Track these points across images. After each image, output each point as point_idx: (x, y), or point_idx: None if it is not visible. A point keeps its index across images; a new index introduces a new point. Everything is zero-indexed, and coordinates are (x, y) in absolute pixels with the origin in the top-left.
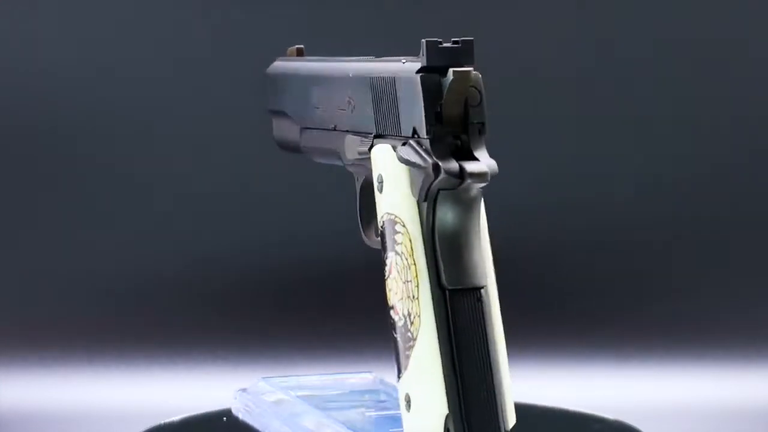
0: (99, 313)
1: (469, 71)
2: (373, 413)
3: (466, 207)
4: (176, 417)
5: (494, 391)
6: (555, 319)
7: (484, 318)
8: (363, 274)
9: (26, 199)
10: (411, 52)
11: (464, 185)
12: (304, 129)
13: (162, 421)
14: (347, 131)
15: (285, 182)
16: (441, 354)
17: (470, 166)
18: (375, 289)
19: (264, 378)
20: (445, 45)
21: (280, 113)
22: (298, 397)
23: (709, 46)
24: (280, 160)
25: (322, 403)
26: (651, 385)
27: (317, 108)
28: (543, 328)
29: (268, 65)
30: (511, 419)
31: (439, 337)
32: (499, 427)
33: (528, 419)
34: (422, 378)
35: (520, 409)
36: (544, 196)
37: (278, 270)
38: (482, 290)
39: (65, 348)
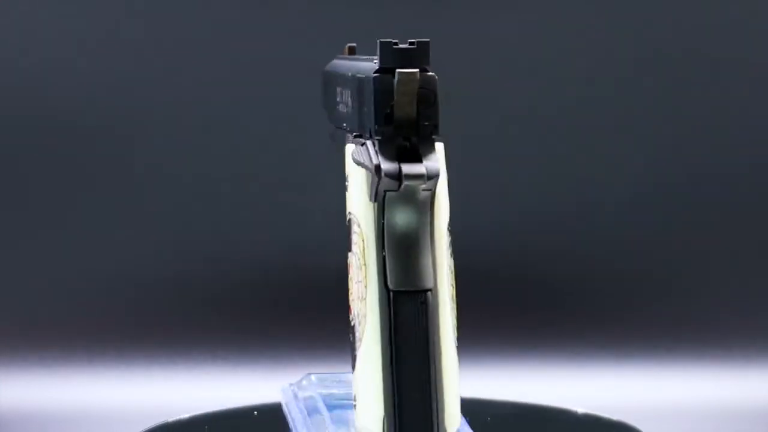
0: (99, 313)
1: (414, 72)
2: None
3: (414, 209)
4: (185, 414)
5: (431, 395)
6: (555, 319)
7: (427, 321)
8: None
9: (26, 199)
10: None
11: (405, 187)
12: (336, 128)
13: (166, 420)
14: (348, 131)
15: (286, 182)
16: (381, 356)
17: (407, 168)
18: None
19: (312, 374)
20: (399, 46)
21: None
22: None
23: (710, 46)
24: (281, 160)
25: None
26: (651, 385)
27: (337, 106)
28: (543, 328)
29: (269, 65)
30: (452, 423)
31: (381, 339)
32: (431, 430)
33: (528, 417)
34: (365, 378)
35: (520, 408)
36: (544, 195)
37: (278, 270)
38: (428, 293)
39: (65, 348)
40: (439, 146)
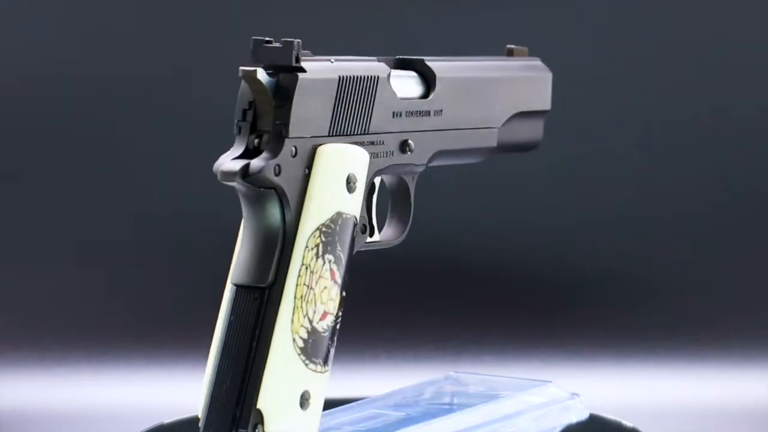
0: (99, 313)
1: (253, 70)
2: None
3: (246, 205)
4: (184, 415)
5: (240, 387)
6: (555, 319)
7: (257, 317)
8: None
9: (26, 199)
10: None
11: (231, 183)
12: None
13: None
14: None
15: None
16: (214, 346)
17: (223, 165)
18: (375, 288)
19: (457, 372)
20: (267, 45)
21: None
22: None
23: (712, 45)
24: None
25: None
26: (651, 385)
27: None
28: (543, 328)
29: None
30: (271, 421)
31: (218, 330)
32: (230, 423)
33: None
34: (207, 367)
35: None
36: (544, 195)
37: None
38: (266, 290)
39: (65, 348)
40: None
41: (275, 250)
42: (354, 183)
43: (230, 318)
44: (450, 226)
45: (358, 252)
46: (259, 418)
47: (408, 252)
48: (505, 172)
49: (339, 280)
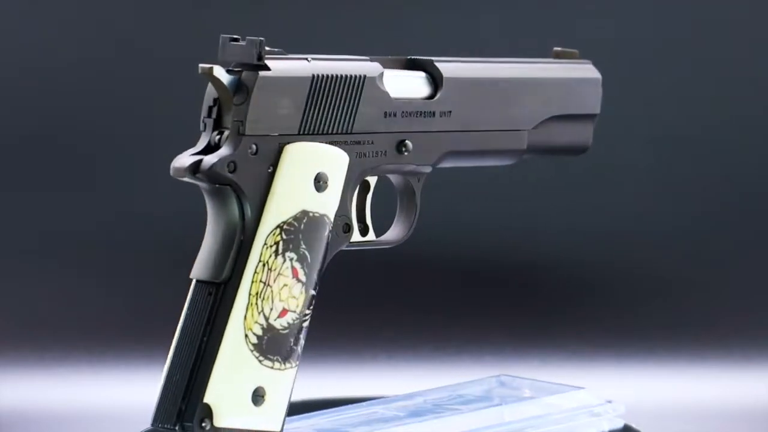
0: (99, 313)
1: (209, 67)
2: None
3: (208, 201)
4: None
5: (188, 381)
6: (556, 319)
7: (209, 311)
8: (363, 274)
9: (26, 198)
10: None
11: (183, 179)
12: None
13: None
14: None
15: None
16: (174, 341)
17: (176, 161)
18: (375, 288)
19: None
20: (233, 43)
21: None
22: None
23: (713, 45)
24: None
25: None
26: (651, 385)
27: None
28: (543, 328)
29: None
30: (220, 416)
31: (179, 325)
32: (175, 415)
33: None
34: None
35: None
36: (544, 196)
37: None
38: (221, 285)
39: (65, 348)
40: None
41: (233, 246)
42: (324, 182)
43: (186, 312)
44: (450, 226)
45: (358, 251)
46: (207, 413)
47: (408, 252)
48: (504, 173)
49: (304, 279)
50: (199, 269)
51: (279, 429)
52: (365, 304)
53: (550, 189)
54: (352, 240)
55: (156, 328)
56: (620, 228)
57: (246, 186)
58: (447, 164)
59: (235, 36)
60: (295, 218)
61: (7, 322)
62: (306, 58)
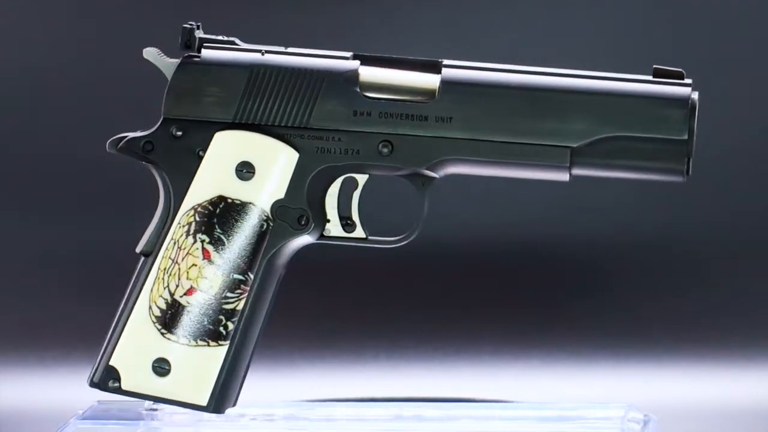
0: (99, 314)
1: (141, 51)
2: None
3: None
4: None
5: (107, 342)
6: (555, 319)
7: (132, 283)
8: (364, 274)
9: (26, 198)
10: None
11: (110, 151)
12: None
13: None
14: None
15: None
16: None
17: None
18: (376, 288)
19: None
20: (183, 29)
21: None
22: None
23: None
24: None
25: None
26: (652, 385)
27: None
28: (543, 327)
29: None
30: (125, 379)
31: None
32: (91, 375)
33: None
34: None
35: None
36: (544, 196)
37: None
38: (143, 257)
39: (65, 348)
40: None
41: (158, 222)
42: (250, 171)
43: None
44: (450, 226)
45: (358, 251)
46: (115, 375)
47: (408, 252)
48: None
49: (219, 261)
50: (142, 242)
51: (204, 404)
52: (365, 304)
53: (550, 189)
54: (333, 235)
55: None
56: (620, 228)
57: (167, 166)
58: (461, 171)
59: (192, 24)
60: (211, 202)
61: (7, 322)
62: (261, 51)
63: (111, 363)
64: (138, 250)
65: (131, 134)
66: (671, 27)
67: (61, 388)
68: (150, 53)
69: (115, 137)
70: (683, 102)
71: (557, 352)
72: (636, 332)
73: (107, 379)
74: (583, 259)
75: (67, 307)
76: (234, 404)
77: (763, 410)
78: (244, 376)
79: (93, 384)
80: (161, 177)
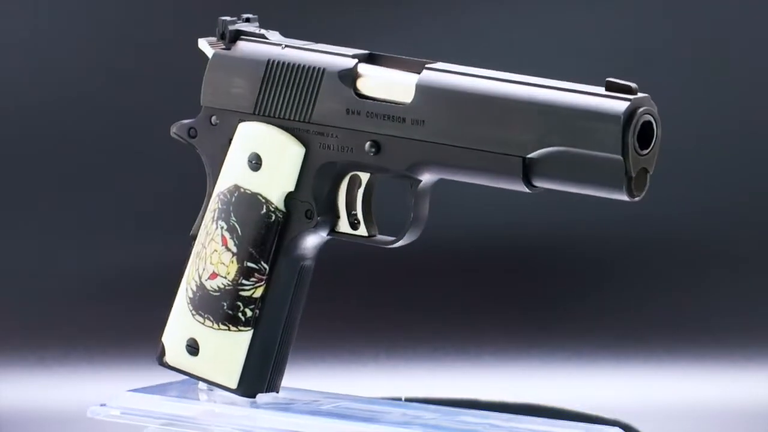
0: (99, 313)
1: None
2: None
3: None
4: None
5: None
6: (555, 319)
7: (184, 260)
8: (364, 274)
9: (26, 198)
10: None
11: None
12: None
13: None
14: None
15: None
16: None
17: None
18: (376, 288)
19: None
20: (232, 26)
21: None
22: None
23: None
24: None
25: None
26: (651, 385)
27: None
28: (543, 327)
29: None
30: (167, 354)
31: None
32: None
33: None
34: None
35: (519, 408)
36: (544, 196)
37: None
38: (192, 240)
39: (65, 348)
40: None
41: (204, 208)
42: (257, 162)
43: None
44: (450, 226)
45: (358, 251)
46: (162, 350)
47: (408, 252)
48: None
49: (234, 249)
50: (195, 225)
51: (234, 387)
52: (366, 304)
53: (549, 190)
54: (339, 230)
55: (156, 328)
56: (620, 228)
57: (205, 152)
58: (437, 176)
59: (233, 18)
60: (229, 190)
61: (7, 322)
62: (282, 45)
63: (162, 339)
64: (192, 232)
65: (184, 121)
66: (671, 27)
67: (61, 388)
68: (203, 44)
69: (178, 122)
70: (615, 118)
71: (557, 352)
72: (636, 332)
73: (161, 355)
74: (583, 259)
75: (67, 307)
76: (276, 391)
77: (763, 410)
78: (282, 364)
79: (157, 359)
80: (204, 162)
